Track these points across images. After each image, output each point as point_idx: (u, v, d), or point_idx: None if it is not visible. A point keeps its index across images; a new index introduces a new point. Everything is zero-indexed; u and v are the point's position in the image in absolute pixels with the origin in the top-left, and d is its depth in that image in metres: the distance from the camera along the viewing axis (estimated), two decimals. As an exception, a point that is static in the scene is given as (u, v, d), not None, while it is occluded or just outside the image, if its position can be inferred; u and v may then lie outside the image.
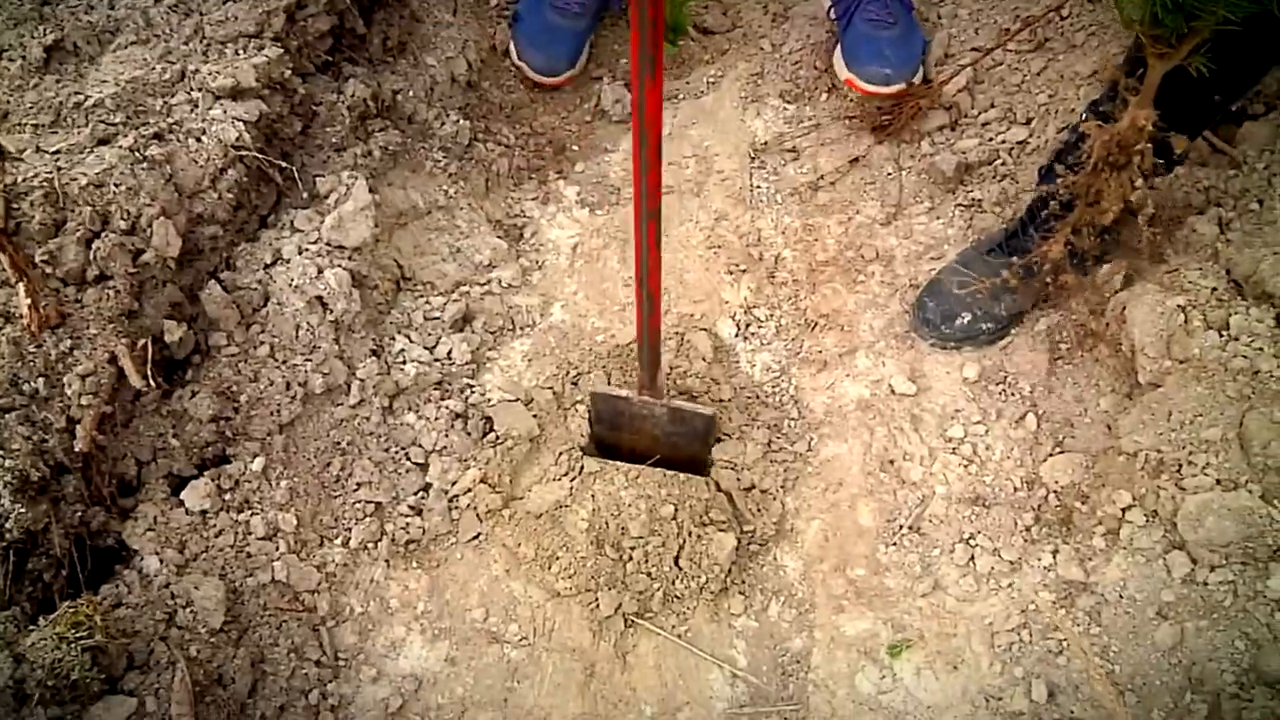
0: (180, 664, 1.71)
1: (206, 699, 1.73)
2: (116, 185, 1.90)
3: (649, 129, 1.29)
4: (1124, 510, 1.92)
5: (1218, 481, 1.83)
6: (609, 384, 2.20)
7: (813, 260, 2.42)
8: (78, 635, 1.62)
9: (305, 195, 2.24)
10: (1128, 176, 1.74)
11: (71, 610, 1.66)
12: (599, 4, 2.80)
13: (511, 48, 2.78)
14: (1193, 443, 1.88)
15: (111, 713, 1.63)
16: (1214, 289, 2.01)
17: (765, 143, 2.63)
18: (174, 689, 1.68)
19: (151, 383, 1.89)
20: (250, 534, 1.93)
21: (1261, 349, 1.90)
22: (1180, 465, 1.87)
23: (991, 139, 2.49)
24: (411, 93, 2.52)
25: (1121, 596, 1.87)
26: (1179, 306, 1.99)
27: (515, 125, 2.74)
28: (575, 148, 2.76)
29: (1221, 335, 1.95)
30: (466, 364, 2.23)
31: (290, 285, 2.06)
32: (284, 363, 2.03)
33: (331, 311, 2.08)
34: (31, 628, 1.63)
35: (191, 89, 2.10)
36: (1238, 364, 1.90)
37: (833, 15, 2.70)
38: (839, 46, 2.66)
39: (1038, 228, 2.11)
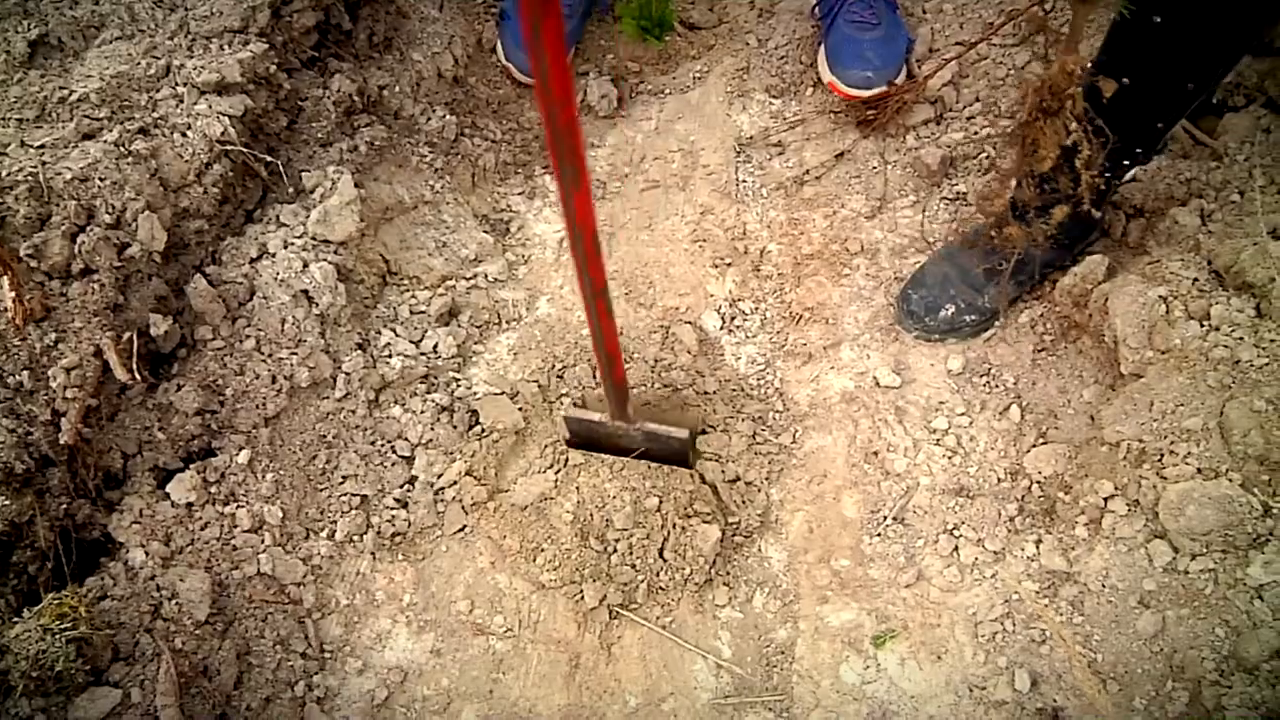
0: (165, 656, 1.72)
1: (192, 690, 1.74)
2: (101, 179, 1.91)
3: (581, 230, 1.35)
4: (1106, 500, 1.93)
5: (1199, 470, 1.84)
6: (594, 378, 2.21)
7: (798, 254, 2.43)
8: (62, 627, 1.63)
9: (291, 190, 2.25)
10: (1061, 122, 1.74)
11: (56, 602, 1.66)
12: (586, 4, 2.80)
13: (499, 47, 2.78)
14: (1174, 432, 1.89)
15: (96, 704, 1.64)
16: (1195, 280, 2.02)
17: (751, 137, 2.64)
18: (159, 680, 1.69)
19: (137, 376, 1.89)
20: (236, 526, 1.93)
21: (1242, 338, 1.91)
22: (1162, 454, 1.88)
23: (976, 132, 2.50)
24: (397, 88, 2.53)
25: (1104, 586, 1.87)
26: (1161, 297, 2.00)
27: (501, 120, 2.75)
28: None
29: (1203, 325, 1.96)
30: (452, 358, 2.24)
31: (276, 279, 2.06)
32: (270, 356, 2.03)
33: (317, 305, 2.09)
34: (16, 620, 1.64)
35: (176, 84, 2.10)
36: (1219, 354, 1.91)
37: (817, 13, 2.70)
38: (822, 47, 2.67)
39: (1019, 220, 2.12)
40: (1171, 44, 1.71)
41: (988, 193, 2.33)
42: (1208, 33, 1.65)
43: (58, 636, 1.61)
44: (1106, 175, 1.96)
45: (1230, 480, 1.81)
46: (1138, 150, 1.90)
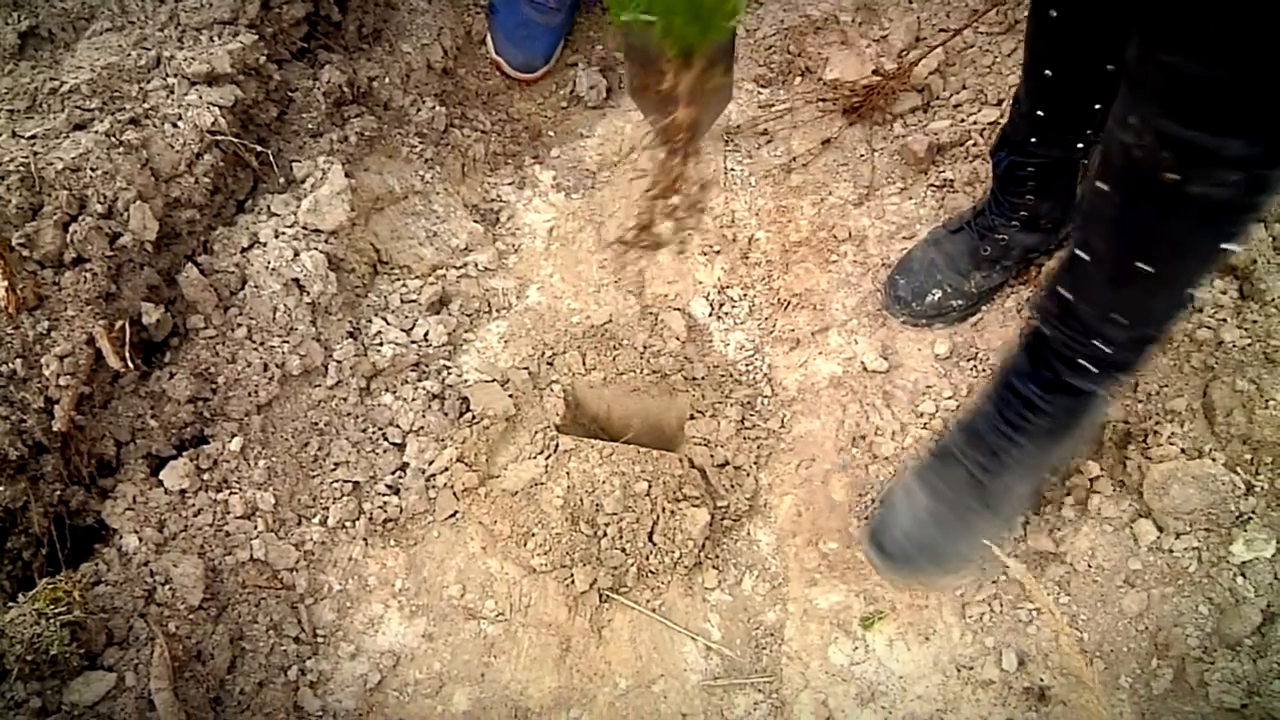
0: (159, 640, 1.73)
1: (186, 675, 1.75)
2: (93, 169, 1.92)
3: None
4: (1092, 480, 1.95)
5: (1183, 450, 1.86)
6: (583, 364, 2.22)
7: (786, 241, 2.44)
8: (57, 611, 1.64)
9: (282, 180, 2.26)
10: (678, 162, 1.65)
11: (50, 587, 1.68)
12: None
13: (488, 40, 2.79)
14: (1159, 413, 1.91)
15: (91, 688, 1.65)
16: (1179, 263, 2.04)
17: (739, 126, 2.65)
18: (153, 665, 1.70)
19: (130, 364, 1.90)
20: (229, 513, 1.94)
21: (1225, 320, 1.94)
22: (1147, 435, 1.90)
23: (963, 120, 2.52)
24: (387, 79, 2.54)
25: (1090, 565, 1.89)
26: (1145, 280, 2.02)
27: (491, 111, 2.76)
28: (551, 133, 2.78)
29: (1187, 308, 1.98)
30: (443, 346, 2.25)
31: (267, 268, 2.08)
32: (261, 344, 2.05)
33: (308, 294, 2.10)
34: (11, 605, 1.65)
35: (167, 75, 2.11)
36: (1202, 335, 1.93)
37: None
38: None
39: (1004, 207, 2.14)
40: (1072, 33, 1.71)
41: (971, 179, 2.36)
42: (1100, 18, 1.65)
43: (52, 620, 1.62)
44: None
45: (1214, 460, 1.83)
46: (1088, 131, 1.90)
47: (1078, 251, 1.52)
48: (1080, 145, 1.92)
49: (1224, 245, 1.37)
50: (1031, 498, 1.94)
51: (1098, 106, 1.80)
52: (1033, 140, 1.95)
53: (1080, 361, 1.65)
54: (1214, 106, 1.18)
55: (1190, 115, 1.20)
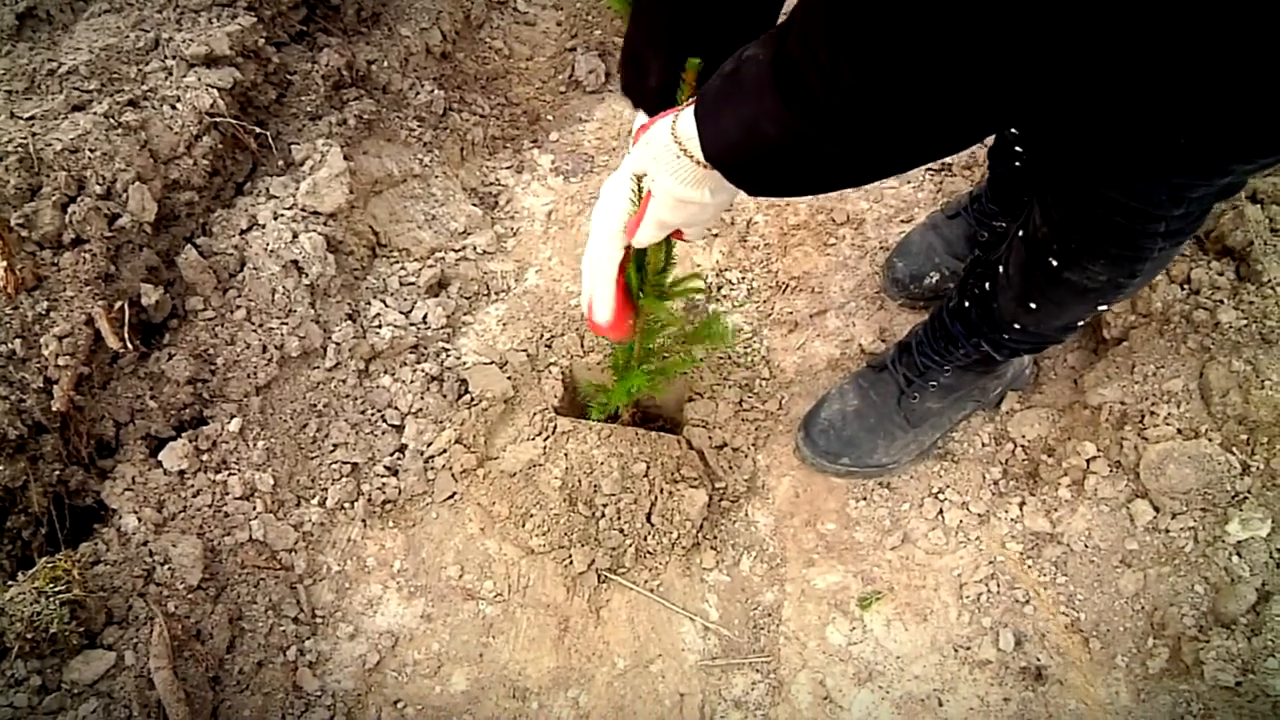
0: (158, 619, 1.73)
1: (185, 654, 1.75)
2: (91, 150, 1.92)
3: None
4: (1089, 461, 1.95)
5: (1179, 431, 1.86)
6: (581, 346, 2.23)
7: (784, 224, 2.45)
8: (56, 590, 1.64)
9: (281, 163, 2.26)
10: None
11: (50, 566, 1.68)
12: None
13: None
14: (1155, 394, 1.91)
15: (91, 666, 1.65)
16: (1177, 245, 2.04)
17: (738, 110, 2.65)
18: (152, 643, 1.70)
19: (128, 345, 1.91)
20: (228, 494, 1.95)
21: (1222, 301, 1.94)
22: (1143, 416, 1.91)
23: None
24: (386, 63, 2.54)
25: (1087, 546, 1.90)
26: (1142, 262, 2.02)
27: (490, 95, 2.76)
28: (550, 117, 2.79)
29: (1184, 289, 1.99)
30: (442, 328, 2.25)
31: (266, 250, 2.08)
32: (260, 326, 2.05)
33: (307, 276, 2.10)
34: (11, 583, 1.66)
35: (165, 57, 2.12)
36: (1199, 316, 1.93)
37: None
38: None
39: (998, 193, 2.15)
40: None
41: (970, 163, 2.36)
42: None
43: (52, 599, 1.62)
44: None
45: (1210, 440, 1.83)
46: None
47: (1001, 266, 1.75)
48: None
49: (1099, 307, 1.68)
50: (946, 428, 2.10)
51: None
52: (1016, 164, 2.07)
53: (989, 340, 1.89)
54: (1083, 230, 1.47)
55: (1075, 239, 1.49)
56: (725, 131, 1.13)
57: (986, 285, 1.83)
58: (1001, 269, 1.76)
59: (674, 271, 1.70)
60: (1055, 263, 1.56)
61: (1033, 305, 1.70)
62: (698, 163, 1.20)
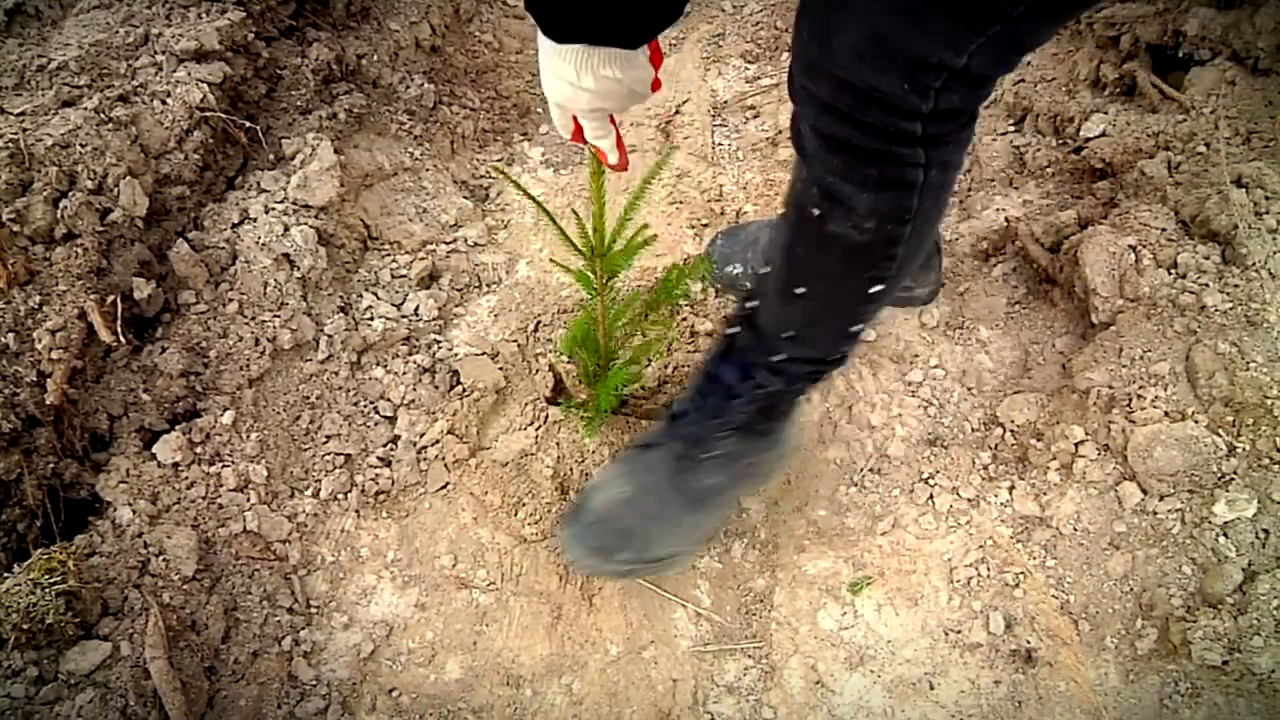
0: (154, 610, 1.74)
1: (180, 644, 1.76)
2: (82, 146, 1.93)
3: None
4: (1077, 445, 1.96)
5: (1166, 414, 1.87)
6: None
7: (773, 215, 2.46)
8: (51, 581, 1.65)
9: (271, 157, 2.27)
10: None
11: (45, 557, 1.69)
12: None
13: None
14: (1143, 377, 1.92)
15: (87, 657, 1.66)
16: (1163, 229, 2.06)
17: (726, 101, 2.67)
18: (148, 634, 1.71)
19: (121, 338, 1.92)
20: (221, 486, 1.96)
21: (1208, 285, 1.95)
22: (1131, 399, 1.92)
23: (949, 93, 2.52)
24: (375, 57, 2.55)
25: (1075, 529, 1.91)
26: (1130, 246, 2.04)
27: (480, 89, 2.77)
28: (540, 110, 2.80)
29: (1170, 273, 2.00)
30: (434, 320, 2.26)
31: (258, 244, 2.09)
32: (252, 319, 2.06)
33: (299, 269, 2.11)
34: (6, 575, 1.67)
35: (155, 51, 2.12)
36: (1186, 300, 1.94)
37: None
38: None
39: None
40: None
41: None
42: None
43: (47, 590, 1.63)
44: None
45: (1196, 422, 1.84)
46: None
47: (763, 268, 1.65)
48: None
49: (871, 289, 1.51)
50: (727, 510, 1.97)
51: None
52: None
53: (764, 366, 1.73)
54: (850, 163, 1.32)
55: (832, 167, 1.34)
56: None
57: (750, 303, 1.72)
58: (761, 274, 1.68)
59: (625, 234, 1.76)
60: (816, 212, 1.41)
61: (799, 291, 1.56)
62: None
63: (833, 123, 1.29)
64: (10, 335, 1.81)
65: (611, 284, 1.85)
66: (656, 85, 1.40)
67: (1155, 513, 1.85)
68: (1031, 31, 1.21)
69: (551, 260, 2.11)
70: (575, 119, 1.44)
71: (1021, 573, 1.92)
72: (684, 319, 2.28)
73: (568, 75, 1.30)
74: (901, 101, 1.22)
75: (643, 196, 1.73)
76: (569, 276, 1.86)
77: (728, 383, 1.79)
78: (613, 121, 1.48)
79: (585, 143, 1.51)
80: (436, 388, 2.16)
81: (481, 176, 2.62)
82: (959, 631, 1.90)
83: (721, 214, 2.47)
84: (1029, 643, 1.86)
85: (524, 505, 2.01)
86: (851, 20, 1.17)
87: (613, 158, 1.53)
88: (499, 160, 2.67)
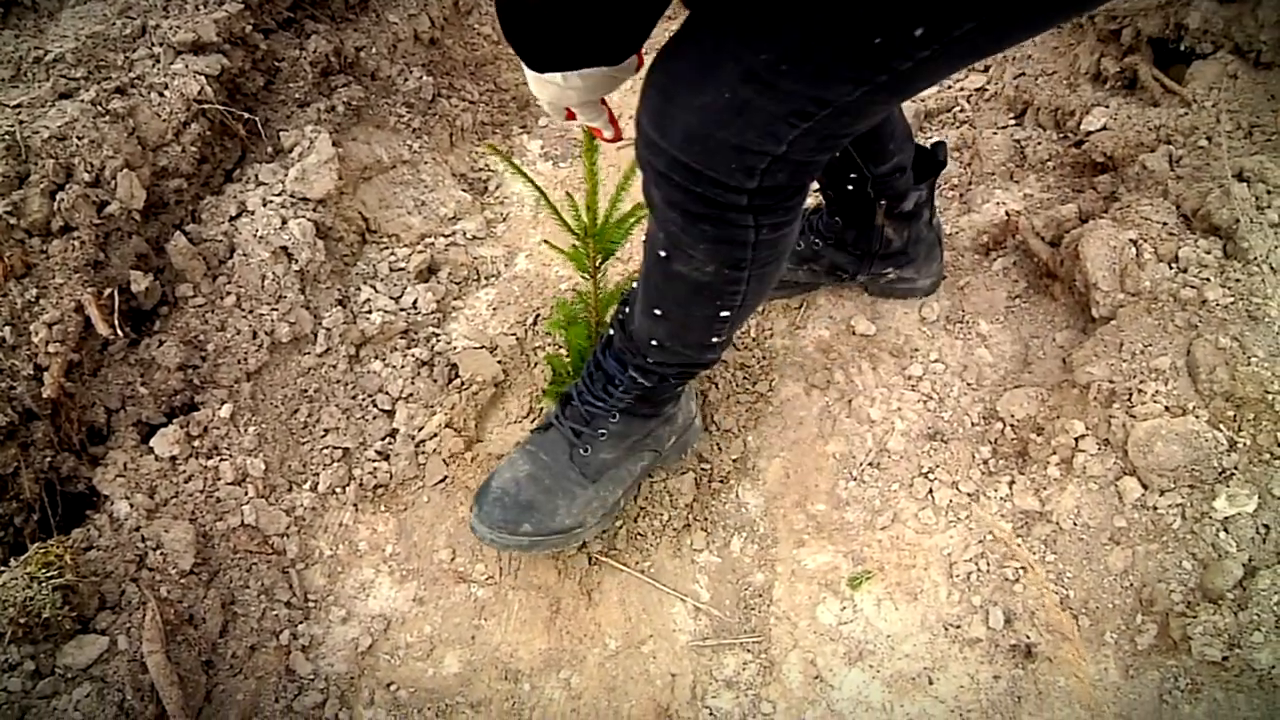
0: (151, 604, 1.74)
1: (178, 638, 1.76)
2: (79, 138, 1.92)
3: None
4: (1077, 439, 1.96)
5: (1167, 408, 1.87)
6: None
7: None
8: (48, 575, 1.65)
9: (269, 149, 2.27)
10: None
11: (42, 551, 1.68)
12: None
13: None
14: (1143, 372, 1.92)
15: (84, 651, 1.66)
16: (1164, 223, 2.05)
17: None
18: (145, 628, 1.71)
19: (119, 332, 1.91)
20: (219, 479, 1.95)
21: (1209, 279, 1.94)
22: (1131, 394, 1.91)
23: (950, 87, 2.53)
24: (374, 49, 2.54)
25: (1075, 524, 1.90)
26: (1131, 240, 2.03)
27: (479, 82, 2.76)
28: (539, 104, 2.78)
29: (1171, 267, 1.99)
30: (432, 313, 2.26)
31: (255, 236, 2.08)
32: (250, 312, 2.05)
33: (296, 262, 2.11)
34: (3, 569, 1.66)
35: (153, 44, 2.12)
36: (1186, 294, 1.94)
37: None
38: None
39: (825, 221, 2.23)
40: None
41: (960, 144, 2.36)
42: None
43: (44, 584, 1.63)
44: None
45: (1197, 417, 1.84)
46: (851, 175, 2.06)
47: (636, 283, 1.73)
48: (851, 187, 2.08)
49: (722, 313, 1.64)
50: (628, 483, 2.01)
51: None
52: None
53: (636, 366, 1.85)
54: (687, 221, 1.42)
55: (673, 219, 1.44)
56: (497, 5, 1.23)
57: (626, 309, 1.83)
58: (634, 287, 1.76)
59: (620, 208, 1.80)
60: (663, 253, 1.54)
61: (657, 311, 1.68)
62: None
63: (670, 189, 1.37)
64: (7, 328, 1.81)
65: (604, 268, 1.86)
66: (641, 62, 1.42)
67: (1155, 508, 1.84)
68: (844, 128, 1.29)
69: (545, 242, 2.12)
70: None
71: (1021, 567, 1.91)
72: None
73: (553, 79, 1.35)
74: (729, 179, 1.31)
75: (633, 175, 1.72)
76: (567, 270, 1.86)
77: (610, 372, 1.89)
78: (603, 101, 1.51)
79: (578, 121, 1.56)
80: (435, 381, 2.16)
81: (480, 169, 2.62)
82: (958, 626, 1.89)
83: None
84: (1029, 638, 1.85)
85: (522, 499, 2.01)
86: (682, 112, 1.26)
87: (608, 133, 1.58)
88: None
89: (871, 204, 2.10)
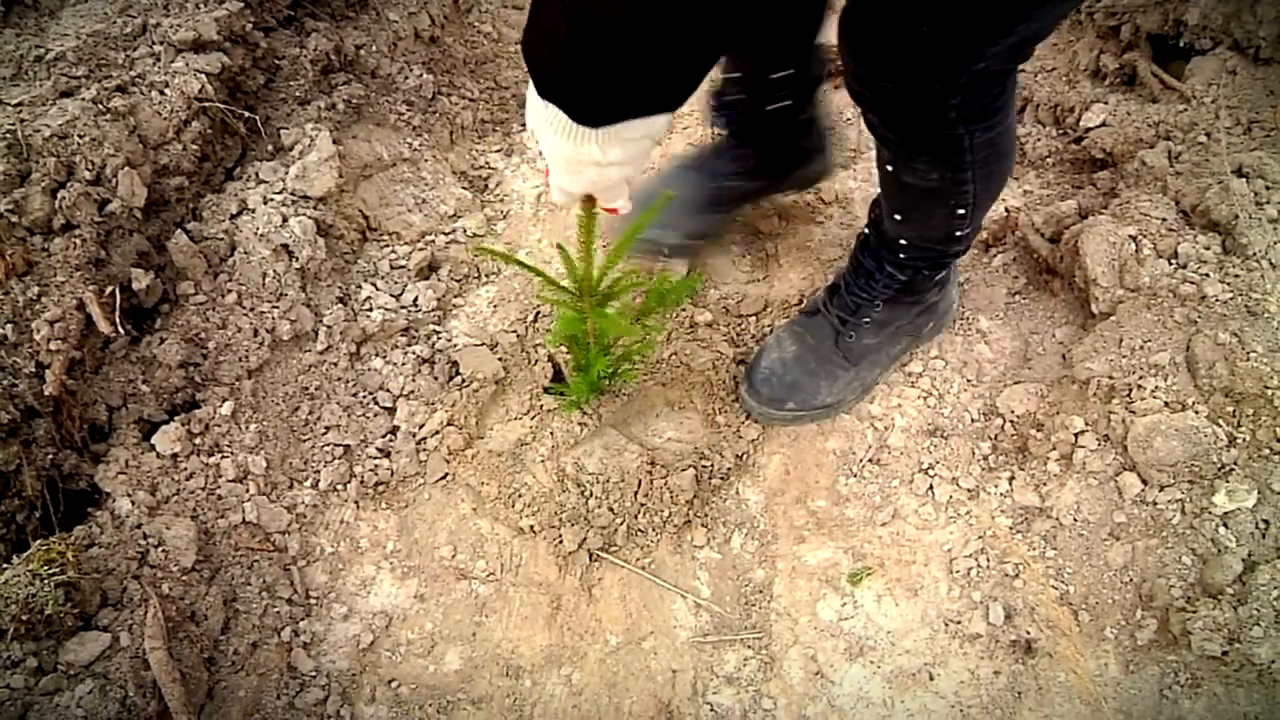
0: (153, 601, 1.74)
1: (180, 635, 1.76)
2: (80, 136, 1.92)
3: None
4: (1077, 435, 1.96)
5: (1166, 404, 1.87)
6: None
7: (773, 203, 2.45)
8: (50, 572, 1.65)
9: (270, 147, 2.27)
10: None
11: (44, 548, 1.69)
12: None
13: None
14: (1143, 367, 1.92)
15: (86, 647, 1.66)
16: (1164, 219, 2.05)
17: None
18: (147, 625, 1.71)
19: (120, 329, 1.91)
20: (221, 476, 1.96)
21: (1208, 274, 1.95)
22: (1131, 390, 1.92)
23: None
24: (374, 47, 2.54)
25: (1075, 519, 1.91)
26: (1131, 236, 2.03)
27: (479, 79, 2.77)
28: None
29: (1171, 263, 2.00)
30: (433, 310, 2.26)
31: (256, 234, 2.09)
32: (251, 310, 2.06)
33: (297, 260, 2.11)
34: (5, 566, 1.66)
35: (153, 42, 2.12)
36: (1186, 290, 1.94)
37: None
38: None
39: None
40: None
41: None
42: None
43: (46, 581, 1.63)
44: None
45: (1197, 412, 1.84)
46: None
47: (881, 191, 1.90)
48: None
49: (958, 211, 1.79)
50: (886, 364, 2.18)
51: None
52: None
53: (891, 262, 2.01)
54: (904, 138, 1.65)
55: (891, 140, 1.68)
56: (536, 53, 1.17)
57: (877, 211, 1.98)
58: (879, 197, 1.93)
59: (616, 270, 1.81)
60: (890, 167, 1.73)
61: (897, 217, 1.88)
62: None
63: (882, 113, 1.60)
64: (9, 326, 1.81)
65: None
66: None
67: (1155, 503, 1.85)
68: (1038, 35, 1.46)
69: (539, 297, 2.21)
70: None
71: (1021, 563, 1.91)
72: (683, 310, 2.27)
73: (591, 156, 1.23)
74: (936, 96, 1.49)
75: (631, 240, 1.79)
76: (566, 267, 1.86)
77: (868, 269, 2.05)
78: None
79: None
80: (436, 378, 2.16)
81: (480, 167, 2.62)
82: (959, 622, 1.90)
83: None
84: (1029, 633, 1.86)
85: (521, 496, 2.01)
86: (886, 44, 1.43)
87: (626, 208, 1.47)
88: (498, 150, 2.66)
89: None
